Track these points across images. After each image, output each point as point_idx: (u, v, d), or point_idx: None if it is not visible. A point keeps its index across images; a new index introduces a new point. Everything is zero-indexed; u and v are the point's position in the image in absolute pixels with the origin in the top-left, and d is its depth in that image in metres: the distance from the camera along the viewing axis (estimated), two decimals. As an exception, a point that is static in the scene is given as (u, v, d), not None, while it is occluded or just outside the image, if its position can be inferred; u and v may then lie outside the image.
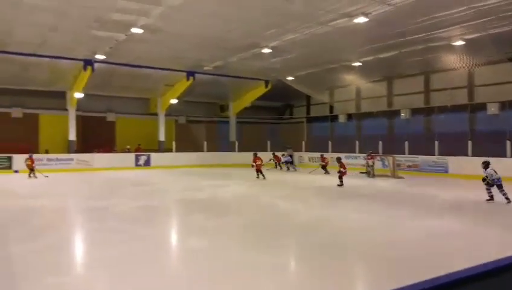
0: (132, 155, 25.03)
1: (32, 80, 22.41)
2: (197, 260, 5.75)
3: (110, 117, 27.13)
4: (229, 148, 28.32)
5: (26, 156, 19.42)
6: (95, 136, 25.68)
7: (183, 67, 23.18)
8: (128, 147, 25.91)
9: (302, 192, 13.88)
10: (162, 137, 27.24)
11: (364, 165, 19.49)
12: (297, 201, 11.52)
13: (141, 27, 15.18)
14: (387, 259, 5.67)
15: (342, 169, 14.53)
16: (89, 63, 20.63)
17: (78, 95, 22.91)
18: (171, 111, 27.69)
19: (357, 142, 24.57)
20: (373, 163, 18.93)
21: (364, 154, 19.98)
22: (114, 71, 22.52)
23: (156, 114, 27.47)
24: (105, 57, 19.87)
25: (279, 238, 7.03)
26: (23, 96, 23.86)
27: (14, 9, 13.57)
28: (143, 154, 25.29)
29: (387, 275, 5.05)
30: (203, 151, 27.14)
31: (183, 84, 24.79)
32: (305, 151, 27.68)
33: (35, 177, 18.61)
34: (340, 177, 14.49)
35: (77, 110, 24.34)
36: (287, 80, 25.78)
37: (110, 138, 26.81)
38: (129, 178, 18.42)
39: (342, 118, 28.12)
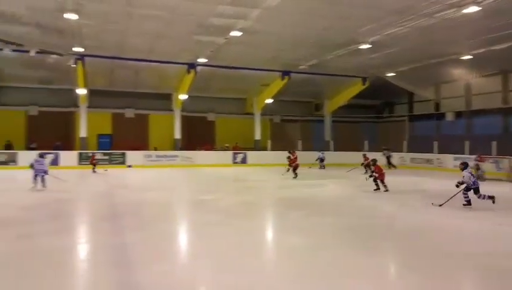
0: (230, 153, 26.13)
1: (143, 83, 24.66)
2: (296, 257, 5.80)
3: (211, 117, 28.67)
4: (324, 147, 27.95)
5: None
6: (197, 135, 27.35)
7: (279, 67, 23.49)
8: (226, 145, 27.08)
9: (403, 195, 13.12)
10: (257, 136, 27.97)
11: (472, 168, 17.68)
12: (397, 203, 10.94)
13: (239, 30, 15.74)
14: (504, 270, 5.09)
15: (374, 173, 13.02)
16: (192, 66, 22.04)
17: (183, 96, 24.66)
18: (266, 110, 28.28)
19: (466, 143, 22.45)
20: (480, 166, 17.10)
21: (474, 156, 18.14)
22: (214, 73, 23.73)
23: (252, 114, 28.29)
24: (206, 60, 21.03)
25: (382, 241, 6.76)
26: (135, 98, 26.37)
27: (128, 20, 15.06)
28: (240, 152, 26.22)
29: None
30: (297, 150, 27.17)
31: (278, 84, 25.12)
32: (407, 151, 26.11)
33: (95, 172, 19.84)
34: (375, 180, 12.90)
35: (182, 110, 26.21)
36: (387, 76, 24.60)
37: (210, 137, 28.34)
38: (228, 175, 19.25)
39: (449, 116, 26.00)
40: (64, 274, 5.09)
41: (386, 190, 12.72)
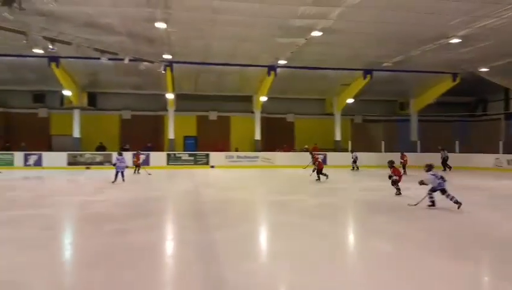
0: (309, 154, 25.87)
1: (225, 86, 25.49)
2: (381, 263, 5.53)
3: (290, 118, 28.75)
4: (410, 148, 26.47)
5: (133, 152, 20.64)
6: (277, 136, 27.59)
7: (361, 66, 22.77)
8: (306, 146, 26.90)
9: (503, 201, 11.90)
10: (337, 136, 27.40)
11: None
12: (494, 209, 9.94)
13: (320, 30, 15.55)
14: None
15: (393, 175, 12.10)
16: (272, 68, 22.29)
17: (263, 98, 25.03)
18: (347, 110, 27.58)
19: None
20: None
21: None
22: (294, 75, 23.72)
23: (332, 114, 27.78)
24: (286, 62, 21.12)
25: (475, 249, 6.18)
26: (218, 101, 27.39)
27: (212, 26, 15.65)
28: (319, 154, 25.82)
29: None
30: (380, 151, 26.09)
31: (360, 83, 24.35)
32: (503, 153, 23.70)
33: (139, 173, 19.36)
34: (394, 183, 12.06)
35: (262, 112, 26.61)
36: (480, 71, 22.57)
37: (289, 138, 28.40)
38: (307, 176, 19.08)
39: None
40: (155, 268, 5.41)
41: (399, 193, 11.89)
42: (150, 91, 25.91)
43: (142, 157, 20.77)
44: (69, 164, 23.29)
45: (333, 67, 22.72)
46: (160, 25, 15.12)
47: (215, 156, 24.85)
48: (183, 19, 14.86)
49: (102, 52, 17.70)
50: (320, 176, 16.32)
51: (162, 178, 18.59)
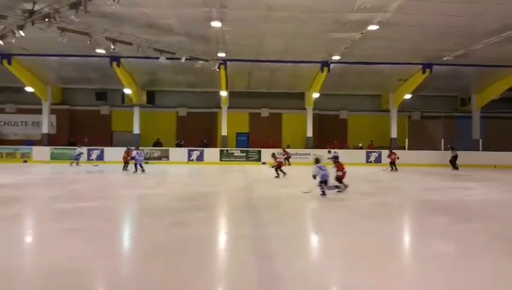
0: (363, 152, 25.26)
1: (277, 83, 25.50)
2: (441, 266, 5.26)
3: (343, 115, 28.20)
4: (472, 146, 24.99)
5: (131, 148, 19.40)
6: (329, 133, 27.17)
7: (419, 60, 21.83)
8: (360, 144, 26.28)
9: None
10: (393, 134, 26.46)
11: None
12: None
13: (377, 23, 15.08)
14: None
15: (338, 172, 11.60)
16: (325, 64, 21.98)
17: (315, 95, 24.75)
18: (403, 107, 26.57)
19: None
20: None
21: None
22: (347, 70, 23.23)
23: (387, 110, 26.88)
24: (340, 58, 20.72)
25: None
26: (269, 98, 27.48)
27: (266, 23, 15.70)
28: (374, 152, 25.16)
29: None
30: (440, 149, 24.86)
31: (418, 78, 23.35)
32: None
33: (127, 170, 18.59)
34: (338, 180, 11.54)
35: (314, 109, 26.32)
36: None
37: (342, 135, 27.86)
38: (361, 174, 18.63)
39: None
40: (211, 260, 5.55)
41: (344, 188, 11.48)
42: (205, 89, 26.54)
43: (133, 153, 19.24)
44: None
45: (390, 62, 21.96)
46: (216, 24, 15.42)
47: (266, 153, 24.93)
48: (237, 17, 15.04)
49: (161, 51, 18.40)
50: (280, 172, 16.37)
51: (215, 174, 18.99)
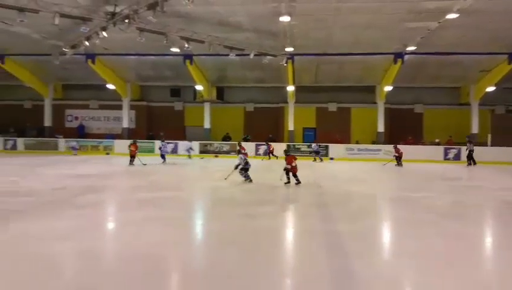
0: (441, 148, 23.81)
1: (346, 76, 24.87)
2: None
3: (418, 109, 26.75)
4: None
5: (131, 141, 19.24)
6: (402, 128, 25.96)
7: (505, 49, 20.07)
8: (437, 140, 24.80)
9: None
10: (475, 129, 24.60)
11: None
12: None
13: (457, 11, 14.10)
14: None
15: (287, 166, 11.94)
16: (399, 56, 21.01)
17: (387, 88, 23.76)
18: (486, 100, 24.55)
19: None
20: None
21: None
22: (423, 61, 22.02)
23: (468, 104, 25.06)
24: (415, 48, 19.69)
25: None
26: (338, 92, 26.87)
27: (335, 15, 15.39)
28: (453, 148, 23.61)
29: None
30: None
31: (503, 69, 21.48)
32: None
33: (133, 165, 17.95)
34: (287, 173, 12.00)
35: (385, 102, 25.30)
36: None
37: (417, 130, 26.46)
38: (438, 172, 17.62)
39: None
40: (283, 253, 5.61)
41: (287, 182, 11.95)
42: (272, 84, 26.68)
43: (159, 144, 20.56)
44: (201, 152, 25.45)
45: (470, 52, 20.40)
46: (284, 19, 15.42)
47: (334, 148, 24.54)
48: (306, 11, 14.91)
49: (231, 48, 18.83)
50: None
51: (281, 169, 19.03)
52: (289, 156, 12.34)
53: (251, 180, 12.37)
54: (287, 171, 12.09)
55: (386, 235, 7.15)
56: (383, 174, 17.29)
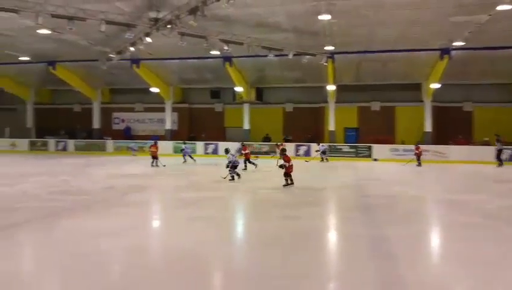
0: (492, 148, 22.51)
1: (389, 74, 24.11)
2: None
3: (467, 107, 25.43)
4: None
5: (152, 142, 19.55)
6: (451, 127, 24.83)
7: None
8: (486, 139, 23.51)
9: None
10: (529, 127, 23.11)
11: None
12: None
13: (510, 2, 13.29)
14: None
15: (284, 163, 11.43)
16: (446, 51, 20.12)
17: (434, 85, 22.79)
18: (543, 96, 23.01)
19: None
20: None
21: None
22: (472, 57, 20.94)
23: (521, 101, 23.58)
24: (463, 43, 18.78)
25: None
26: (381, 90, 26.10)
27: (378, 11, 14.96)
28: (507, 148, 22.25)
29: None
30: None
31: None
32: None
33: (157, 165, 17.90)
34: (286, 175, 11.44)
35: (432, 101, 24.30)
36: None
37: (466, 129, 25.20)
38: (489, 173, 16.72)
39: None
40: (326, 257, 5.49)
41: (288, 184, 11.44)
42: (311, 84, 26.38)
43: (183, 146, 21.63)
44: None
45: (527, 45, 19.17)
46: (324, 17, 15.19)
47: (378, 149, 23.85)
48: (347, 8, 14.61)
49: (269, 49, 18.82)
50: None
51: (323, 169, 18.81)
52: (286, 155, 11.99)
53: (238, 176, 13.26)
54: (285, 173, 11.59)
55: (434, 239, 6.85)
56: (430, 176, 16.62)
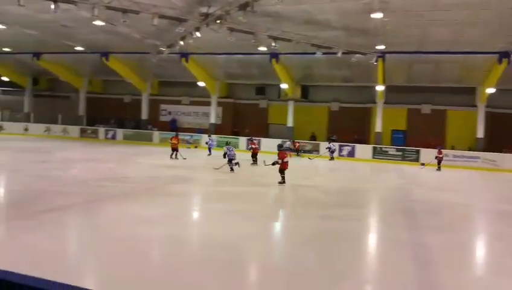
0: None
1: (442, 77, 23.09)
2: None
3: (525, 113, 23.90)
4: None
5: (173, 134, 20.12)
6: (505, 135, 23.43)
7: None
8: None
9: None
10: None
11: None
12: None
13: None
14: None
15: (278, 160, 11.06)
16: (505, 55, 18.97)
17: (490, 90, 21.57)
18: None
19: None
20: None
21: None
22: (534, 61, 19.60)
23: None
24: (525, 46, 17.64)
25: None
26: (432, 93, 25.04)
27: (432, 11, 14.35)
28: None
29: None
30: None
31: None
32: None
33: (176, 158, 17.43)
34: (280, 171, 11.07)
35: (487, 106, 23.02)
36: None
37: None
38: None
39: None
40: (363, 259, 5.37)
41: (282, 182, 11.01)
42: (359, 83, 25.78)
43: (207, 139, 22.45)
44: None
45: None
46: (377, 16, 14.79)
47: (426, 153, 22.91)
48: (400, 7, 14.14)
49: (318, 47, 18.59)
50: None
51: (367, 171, 18.39)
52: (282, 151, 11.58)
53: (238, 165, 13.87)
54: (280, 170, 11.24)
55: (480, 250, 6.51)
56: (480, 184, 15.80)
